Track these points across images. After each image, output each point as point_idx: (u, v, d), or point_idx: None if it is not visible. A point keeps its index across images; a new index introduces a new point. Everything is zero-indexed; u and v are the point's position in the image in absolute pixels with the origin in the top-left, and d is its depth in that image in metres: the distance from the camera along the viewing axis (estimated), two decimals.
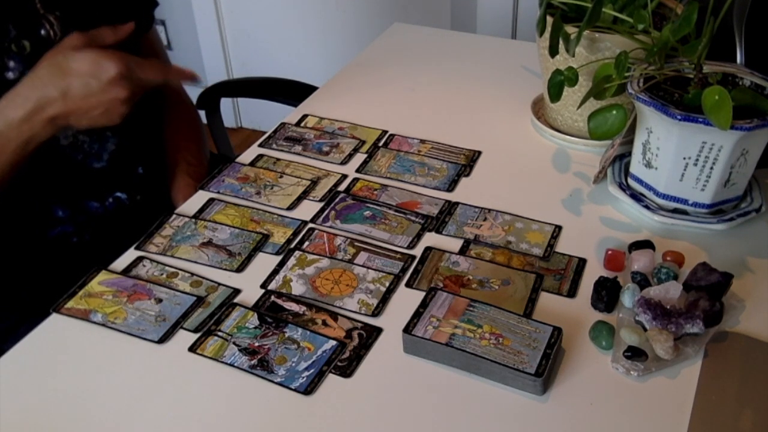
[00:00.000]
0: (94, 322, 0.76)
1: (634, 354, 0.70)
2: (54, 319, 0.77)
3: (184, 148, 1.18)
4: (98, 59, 0.87)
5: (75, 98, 0.86)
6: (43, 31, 0.95)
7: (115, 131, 1.05)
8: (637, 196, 0.91)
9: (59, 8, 0.97)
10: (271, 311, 0.78)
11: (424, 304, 0.74)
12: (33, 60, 0.93)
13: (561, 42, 0.92)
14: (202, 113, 1.38)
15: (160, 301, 0.79)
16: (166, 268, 0.84)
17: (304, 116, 1.14)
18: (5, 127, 0.87)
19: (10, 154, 0.88)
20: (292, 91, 1.42)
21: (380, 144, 1.07)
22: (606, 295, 0.75)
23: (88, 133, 1.02)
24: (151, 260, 0.85)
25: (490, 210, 0.92)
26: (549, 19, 0.93)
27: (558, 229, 0.88)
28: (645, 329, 0.72)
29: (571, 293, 0.79)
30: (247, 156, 1.05)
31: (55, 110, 0.86)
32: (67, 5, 0.99)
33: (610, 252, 0.81)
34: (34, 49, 0.94)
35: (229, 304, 0.78)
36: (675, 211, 0.88)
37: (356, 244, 0.87)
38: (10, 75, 0.93)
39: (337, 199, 0.95)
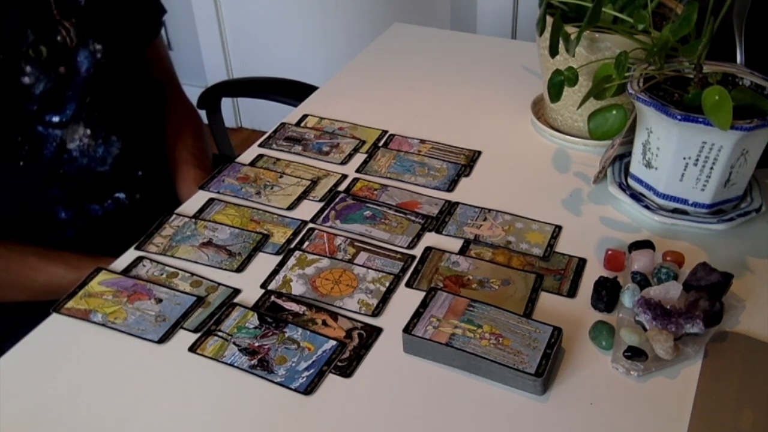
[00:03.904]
0: (94, 322, 0.76)
1: (634, 354, 0.70)
2: (54, 319, 0.77)
3: (190, 145, 1.18)
4: None
5: None
6: (59, 37, 0.96)
7: (120, 135, 1.05)
8: (637, 196, 0.91)
9: (75, 15, 0.98)
10: (271, 311, 0.78)
11: (424, 304, 0.74)
12: (49, 65, 0.93)
13: (561, 42, 0.92)
14: (202, 113, 1.38)
15: (160, 301, 0.79)
16: (166, 268, 0.84)
17: (304, 116, 1.14)
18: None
19: None
20: (292, 91, 1.43)
21: (380, 144, 1.07)
22: (606, 295, 0.75)
23: (95, 138, 1.03)
24: (151, 260, 0.85)
25: (490, 210, 0.92)
26: (549, 19, 0.93)
27: (558, 229, 0.88)
28: (645, 329, 0.72)
29: (571, 293, 0.79)
30: (247, 156, 1.05)
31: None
32: (82, 12, 0.99)
33: (610, 252, 0.81)
34: (51, 55, 0.94)
35: (229, 304, 0.78)
36: (675, 211, 0.88)
37: (356, 244, 0.87)
38: (26, 80, 0.93)
39: (337, 199, 0.95)
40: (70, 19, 0.98)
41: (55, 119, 0.98)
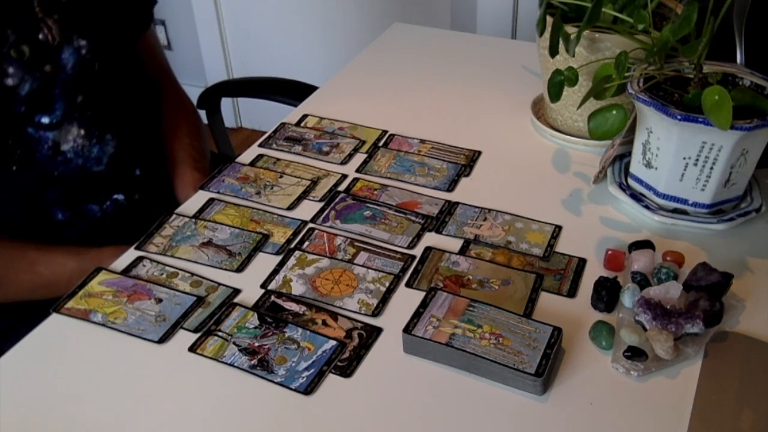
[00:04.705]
0: (94, 322, 0.76)
1: (634, 354, 0.70)
2: (54, 319, 0.77)
3: (187, 144, 1.18)
4: None
5: None
6: (41, 35, 0.95)
7: (115, 133, 1.05)
8: (637, 196, 0.91)
9: (58, 11, 0.97)
10: (271, 311, 0.78)
11: (424, 304, 0.74)
12: (33, 65, 0.92)
13: (561, 42, 0.92)
14: (202, 113, 1.38)
15: (160, 301, 0.79)
16: (166, 268, 0.84)
17: (304, 116, 1.14)
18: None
19: None
20: (292, 91, 1.43)
21: (380, 144, 1.07)
22: (606, 295, 0.75)
23: (89, 137, 1.02)
24: (151, 260, 0.85)
25: (490, 210, 0.92)
26: (549, 19, 0.93)
27: (558, 229, 0.88)
28: (645, 329, 0.72)
29: (571, 293, 0.79)
30: (247, 156, 1.05)
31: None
32: (65, 8, 0.98)
33: (610, 252, 0.81)
34: (33, 55, 0.94)
35: (229, 304, 0.78)
36: (675, 211, 0.88)
37: (356, 244, 0.87)
38: (10, 81, 0.92)
39: (337, 199, 0.95)
40: (53, 16, 0.96)
41: (45, 120, 0.97)
